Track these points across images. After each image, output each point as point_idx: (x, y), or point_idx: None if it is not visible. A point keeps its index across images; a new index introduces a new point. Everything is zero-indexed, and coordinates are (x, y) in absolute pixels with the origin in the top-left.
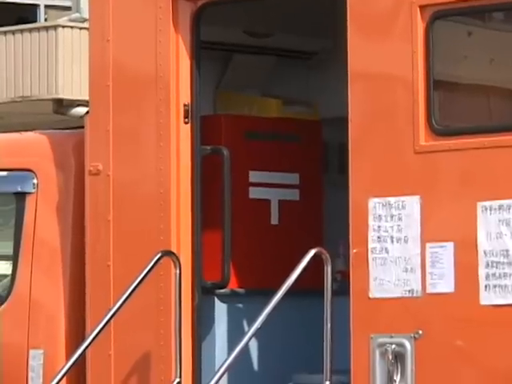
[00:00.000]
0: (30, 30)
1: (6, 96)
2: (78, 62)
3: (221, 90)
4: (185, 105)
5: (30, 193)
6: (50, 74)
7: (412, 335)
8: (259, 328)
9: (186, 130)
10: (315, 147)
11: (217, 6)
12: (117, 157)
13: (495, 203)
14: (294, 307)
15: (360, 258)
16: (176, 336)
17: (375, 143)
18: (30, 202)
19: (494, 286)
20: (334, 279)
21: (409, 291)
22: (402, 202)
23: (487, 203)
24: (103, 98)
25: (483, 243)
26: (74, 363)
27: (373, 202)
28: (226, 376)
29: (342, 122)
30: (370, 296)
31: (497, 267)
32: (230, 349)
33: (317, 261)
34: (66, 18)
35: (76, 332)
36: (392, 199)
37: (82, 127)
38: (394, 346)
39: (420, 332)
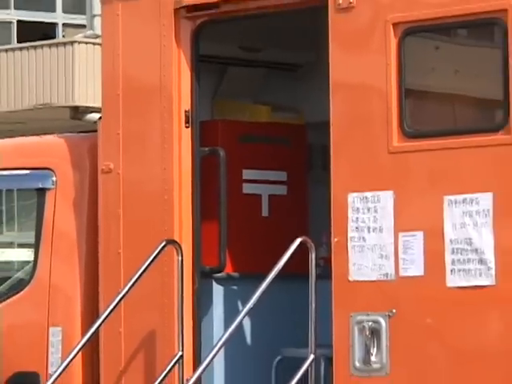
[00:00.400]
0: (50, 46)
1: (29, 103)
2: (92, 74)
3: (217, 98)
4: (186, 111)
5: (49, 189)
6: (67, 84)
7: (386, 313)
8: (252, 308)
9: (186, 134)
10: (301, 148)
11: (213, 24)
12: (126, 157)
13: (460, 197)
14: (282, 289)
15: (340, 245)
16: (178, 315)
17: (354, 145)
18: (49, 197)
19: (459, 270)
20: (317, 265)
21: (383, 275)
22: (378, 196)
23: (452, 197)
24: (114, 106)
25: (449, 232)
26: (88, 339)
27: (352, 197)
28: (222, 350)
29: (324, 126)
30: (350, 279)
31: (461, 253)
32: (226, 326)
33: (302, 248)
34: (81, 35)
35: (90, 312)
36: (368, 194)
37: (95, 131)
38: (370, 323)
39: (394, 311)
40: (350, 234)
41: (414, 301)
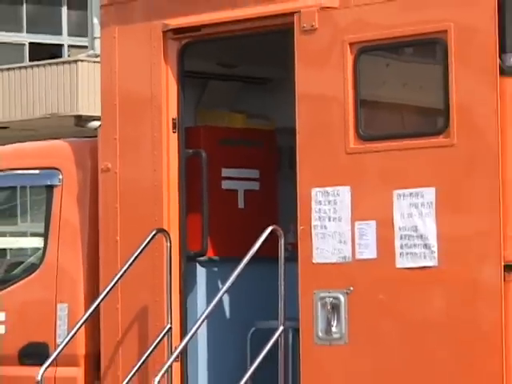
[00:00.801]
0: (57, 64)
1: (39, 113)
2: (93, 88)
3: (199, 107)
4: (173, 119)
5: (56, 186)
6: (72, 96)
7: (345, 291)
8: (230, 286)
9: (173, 138)
10: (272, 150)
11: (196, 44)
12: (122, 158)
13: (407, 191)
14: (256, 270)
15: (305, 233)
16: (167, 293)
17: (316, 147)
18: (56, 193)
19: (407, 254)
20: (286, 249)
21: (342, 257)
22: (337, 190)
23: (401, 191)
24: (111, 114)
25: (398, 221)
26: (90, 314)
27: (315, 191)
28: (205, 322)
29: (291, 131)
30: (313, 261)
31: (408, 239)
32: (208, 302)
33: (273, 235)
34: (84, 54)
35: (92, 290)
36: (329, 189)
37: (96, 136)
38: (331, 299)
39: (351, 288)
40: (313, 223)
41: (369, 280)
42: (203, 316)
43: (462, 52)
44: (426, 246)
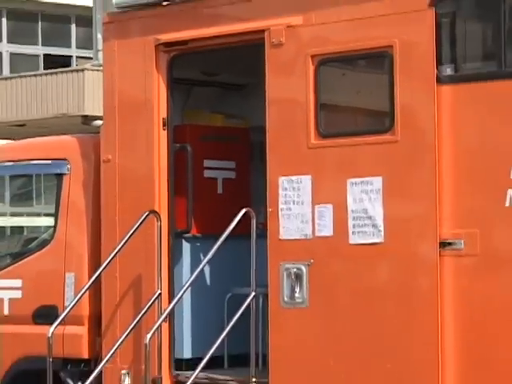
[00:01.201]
0: (67, 72)
1: (52, 113)
2: (97, 92)
3: (186, 109)
4: (163, 118)
5: (65, 174)
6: (79, 99)
7: (306, 263)
8: (210, 258)
9: (163, 134)
10: (246, 145)
11: (183, 55)
12: (120, 151)
13: (358, 180)
14: (232, 245)
15: (273, 214)
16: (158, 264)
17: (283, 142)
18: (65, 180)
19: (358, 232)
20: (257, 227)
21: (304, 235)
22: (300, 179)
23: (353, 180)
24: (112, 114)
25: (351, 205)
26: (93, 282)
27: (281, 179)
28: (189, 289)
29: (262, 129)
30: (280, 238)
31: (359, 220)
32: (192, 272)
33: (246, 216)
34: (89, 64)
35: (95, 262)
36: (293, 177)
37: (99, 132)
38: (295, 270)
39: (311, 261)
40: (280, 206)
41: (326, 254)
42: (188, 283)
43: (405, 63)
44: (374, 225)
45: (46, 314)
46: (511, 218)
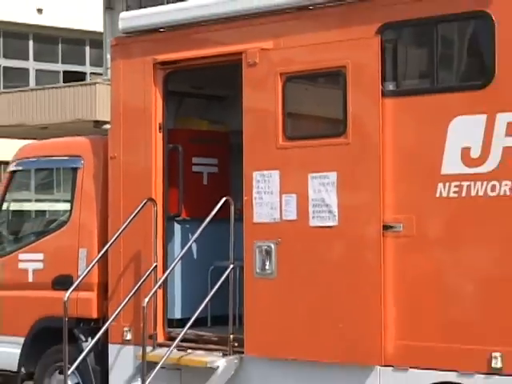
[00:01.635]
0: (82, 85)
1: (69, 118)
2: (106, 101)
3: (178, 116)
4: (159, 123)
5: (79, 168)
6: (92, 107)
7: (275, 241)
8: (197, 237)
9: (159, 137)
10: (226, 145)
11: (176, 72)
12: (124, 150)
13: (317, 174)
14: (215, 227)
15: (248, 202)
16: (154, 242)
17: (256, 143)
18: (79, 173)
19: (317, 216)
20: (235, 213)
21: (273, 219)
22: (270, 173)
23: (313, 174)
24: (118, 120)
25: (311, 195)
26: (101, 256)
27: (255, 173)
28: (179, 262)
29: (239, 133)
30: (254, 221)
31: (318, 207)
32: (182, 248)
33: (226, 203)
34: (100, 79)
35: (103, 240)
36: (265, 172)
37: (107, 134)
38: (265, 247)
39: (279, 240)
40: (254, 195)
41: (291, 234)
42: (178, 257)
43: (356, 80)
44: (329, 211)
45: (62, 282)
46: (440, 206)
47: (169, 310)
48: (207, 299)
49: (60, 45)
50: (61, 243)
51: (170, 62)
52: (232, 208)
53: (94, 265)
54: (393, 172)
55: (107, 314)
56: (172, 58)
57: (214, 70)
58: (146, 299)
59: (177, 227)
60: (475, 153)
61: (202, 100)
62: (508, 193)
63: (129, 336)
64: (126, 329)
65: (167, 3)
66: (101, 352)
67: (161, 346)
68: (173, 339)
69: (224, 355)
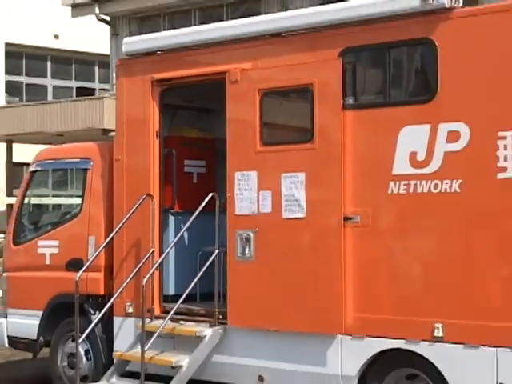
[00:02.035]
0: (92, 99)
1: (81, 127)
2: (112, 113)
3: (172, 125)
4: (156, 131)
5: (89, 168)
6: (100, 117)
7: (253, 230)
8: (188, 227)
9: (156, 142)
10: (213, 150)
11: (170, 88)
12: (127, 153)
13: (289, 174)
14: (203, 218)
15: (231, 197)
16: (152, 230)
17: (238, 148)
18: (89, 173)
19: (288, 209)
20: (220, 206)
21: (252, 211)
22: (249, 173)
23: (285, 174)
24: (122, 128)
25: (284, 191)
26: (107, 242)
27: (237, 174)
28: (173, 248)
29: (224, 140)
30: (236, 213)
31: (289, 201)
32: (175, 236)
33: (213, 199)
34: (108, 94)
35: (109, 229)
36: (245, 172)
37: (112, 140)
38: (245, 235)
39: (257, 229)
40: (236, 192)
41: (267, 224)
42: (172, 244)
43: (322, 95)
44: (299, 205)
45: (75, 264)
46: (392, 201)
47: (164, 287)
48: (196, 279)
49: (73, 65)
50: (73, 232)
51: (165, 79)
52: (217, 202)
53: (101, 250)
54: (352, 172)
55: (112, 291)
56: (167, 76)
57: (203, 87)
58: (145, 279)
59: (171, 218)
60: (421, 156)
61: (192, 112)
62: (448, 190)
63: (130, 310)
64: (128, 304)
65: (163, 30)
66: (107, 323)
67: (157, 318)
68: (167, 312)
69: (210, 326)
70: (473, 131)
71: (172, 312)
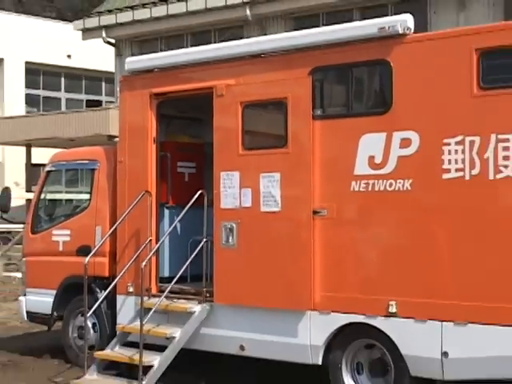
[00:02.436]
0: (100, 110)
1: (90, 133)
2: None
3: (167, 132)
4: (154, 137)
5: (96, 169)
6: (106, 125)
7: (236, 222)
8: (180, 219)
9: (154, 147)
10: (202, 153)
11: (166, 101)
12: (129, 156)
13: (266, 174)
14: (193, 212)
15: (218, 194)
16: (149, 222)
17: (224, 152)
18: (96, 173)
19: (266, 204)
20: (208, 201)
21: (235, 206)
22: (233, 174)
23: (264, 174)
24: (124, 135)
25: (262, 189)
26: (112, 232)
27: (222, 173)
28: (167, 237)
29: (211, 144)
30: (221, 207)
31: (266, 198)
32: (169, 226)
33: (201, 195)
34: (113, 105)
35: (113, 220)
36: (229, 172)
37: (116, 145)
38: (229, 226)
39: (239, 221)
40: (221, 189)
41: (248, 216)
42: (166, 233)
43: (294, 108)
44: (275, 201)
45: (84, 250)
46: (353, 198)
47: (160, 270)
48: (187, 263)
49: (84, 81)
50: (83, 222)
51: (162, 93)
52: (205, 198)
53: (106, 238)
54: (320, 173)
55: (115, 273)
56: (163, 90)
57: (194, 99)
58: (144, 263)
59: (166, 211)
60: (378, 159)
61: (185, 121)
62: (401, 188)
63: (131, 289)
64: (129, 284)
65: (160, 51)
66: (111, 300)
67: (154, 296)
68: (163, 291)
69: (199, 303)
70: (422, 138)
71: (166, 291)
